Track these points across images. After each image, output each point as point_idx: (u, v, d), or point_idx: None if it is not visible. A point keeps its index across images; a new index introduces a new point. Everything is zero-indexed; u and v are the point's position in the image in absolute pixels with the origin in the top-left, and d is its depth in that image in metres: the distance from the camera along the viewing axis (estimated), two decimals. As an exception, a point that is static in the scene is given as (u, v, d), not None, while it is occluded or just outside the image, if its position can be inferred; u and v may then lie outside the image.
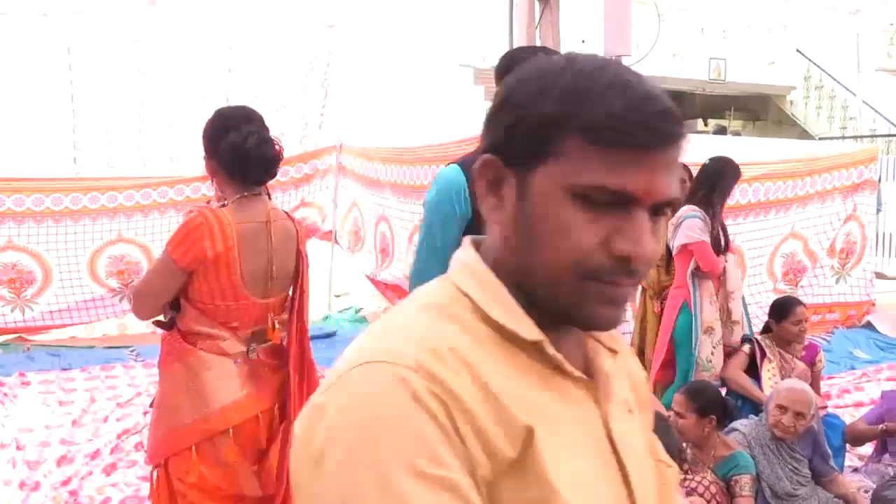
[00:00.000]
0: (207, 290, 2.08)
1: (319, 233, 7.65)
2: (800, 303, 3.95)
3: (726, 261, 3.96)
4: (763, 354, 3.80)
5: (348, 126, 7.63)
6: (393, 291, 6.83)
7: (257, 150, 2.12)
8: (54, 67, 6.98)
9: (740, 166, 5.47)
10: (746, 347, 3.88)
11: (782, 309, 3.88)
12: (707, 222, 3.83)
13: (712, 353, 3.83)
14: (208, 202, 2.22)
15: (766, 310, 4.23)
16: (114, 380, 5.30)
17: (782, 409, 3.06)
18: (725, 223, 4.18)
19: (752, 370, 3.83)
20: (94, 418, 4.45)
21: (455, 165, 2.12)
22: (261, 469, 2.17)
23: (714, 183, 3.97)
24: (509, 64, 2.11)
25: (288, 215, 2.30)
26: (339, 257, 7.78)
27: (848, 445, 3.69)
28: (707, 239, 3.82)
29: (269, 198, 2.31)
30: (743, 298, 4.22)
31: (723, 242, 4.01)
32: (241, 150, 2.10)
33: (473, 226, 2.08)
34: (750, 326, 4.17)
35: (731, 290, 3.96)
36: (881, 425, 3.47)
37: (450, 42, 9.71)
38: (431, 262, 2.15)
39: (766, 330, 3.98)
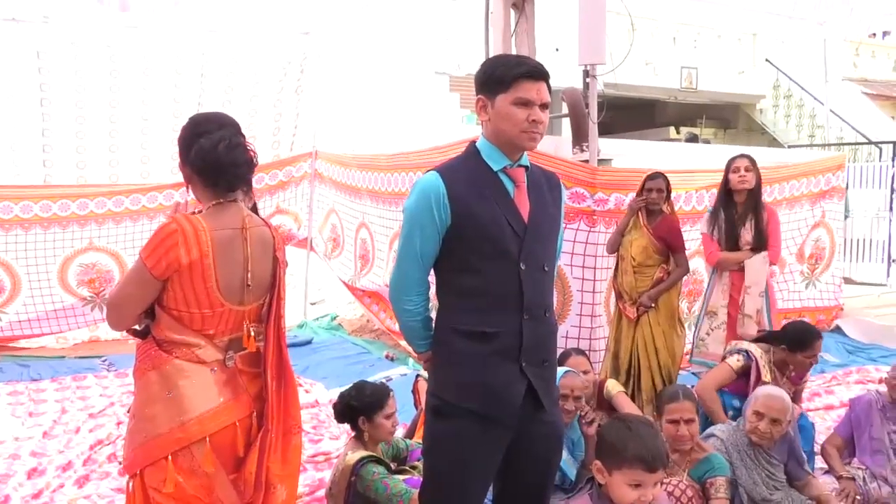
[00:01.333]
0: (182, 297, 2.06)
1: (294, 240, 7.61)
2: (820, 336, 3.71)
3: (749, 256, 4.32)
4: (759, 378, 3.59)
5: (324, 133, 7.61)
6: (371, 298, 6.80)
7: (227, 156, 2.10)
8: (23, 72, 6.87)
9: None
10: (736, 363, 3.67)
11: (802, 341, 3.61)
12: (716, 217, 4.44)
13: (707, 335, 4.45)
14: (195, 212, 2.20)
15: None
16: (85, 390, 5.20)
17: (759, 415, 3.09)
18: (748, 223, 4.39)
19: (738, 382, 3.68)
20: (66, 429, 4.37)
21: (434, 172, 2.12)
22: (238, 477, 2.14)
23: (721, 182, 4.50)
24: (489, 72, 2.13)
25: (265, 221, 2.27)
26: (314, 265, 7.74)
27: (818, 449, 3.72)
28: (708, 231, 4.45)
29: (256, 203, 2.30)
30: (768, 296, 4.41)
31: (748, 238, 4.34)
32: (210, 155, 2.08)
33: (454, 231, 2.09)
34: (770, 323, 4.31)
35: (747, 284, 4.31)
36: (844, 472, 3.46)
37: (425, 50, 9.74)
38: (411, 268, 2.15)
39: (762, 339, 3.80)
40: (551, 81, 2.14)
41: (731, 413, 3.61)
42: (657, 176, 4.43)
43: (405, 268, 2.15)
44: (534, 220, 2.12)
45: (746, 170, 4.36)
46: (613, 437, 2.10)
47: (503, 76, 2.07)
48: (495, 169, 2.11)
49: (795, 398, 3.76)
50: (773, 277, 6.55)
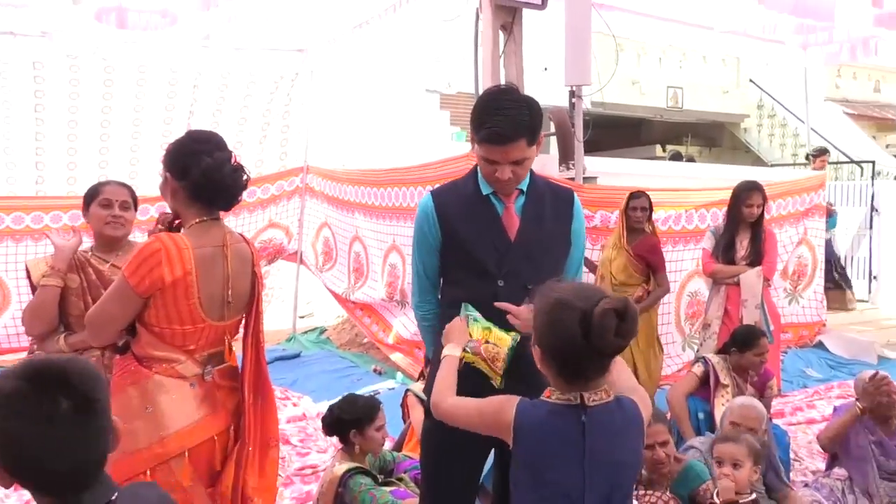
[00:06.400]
0: (165, 314, 2.06)
1: (285, 254, 7.65)
2: (763, 334, 3.99)
3: (743, 270, 4.47)
4: (717, 381, 3.85)
5: (315, 148, 7.67)
6: (363, 311, 6.84)
7: (231, 178, 2.14)
8: (19, 81, 6.90)
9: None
10: (699, 369, 3.95)
11: (746, 339, 3.88)
12: (717, 235, 4.62)
13: (701, 345, 4.67)
14: (155, 225, 2.22)
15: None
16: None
17: (736, 425, 3.18)
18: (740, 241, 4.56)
19: (705, 389, 3.92)
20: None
21: (429, 193, 2.27)
22: (214, 491, 2.16)
23: (730, 205, 4.60)
24: (472, 114, 2.13)
25: (243, 237, 2.31)
26: (304, 278, 7.78)
27: (794, 462, 3.81)
28: (708, 247, 4.62)
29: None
30: (767, 310, 4.57)
31: (744, 254, 4.50)
32: (216, 175, 2.11)
33: (444, 248, 2.21)
34: (770, 334, 4.39)
35: (743, 297, 4.48)
36: (856, 405, 3.53)
37: (417, 68, 9.85)
38: (418, 279, 2.31)
39: (723, 350, 4.03)
40: (541, 100, 2.15)
41: (701, 416, 3.84)
42: (641, 195, 4.53)
43: (415, 278, 2.32)
44: (523, 237, 2.17)
45: (759, 206, 4.49)
46: None
47: (475, 129, 2.09)
48: (484, 192, 2.18)
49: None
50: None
